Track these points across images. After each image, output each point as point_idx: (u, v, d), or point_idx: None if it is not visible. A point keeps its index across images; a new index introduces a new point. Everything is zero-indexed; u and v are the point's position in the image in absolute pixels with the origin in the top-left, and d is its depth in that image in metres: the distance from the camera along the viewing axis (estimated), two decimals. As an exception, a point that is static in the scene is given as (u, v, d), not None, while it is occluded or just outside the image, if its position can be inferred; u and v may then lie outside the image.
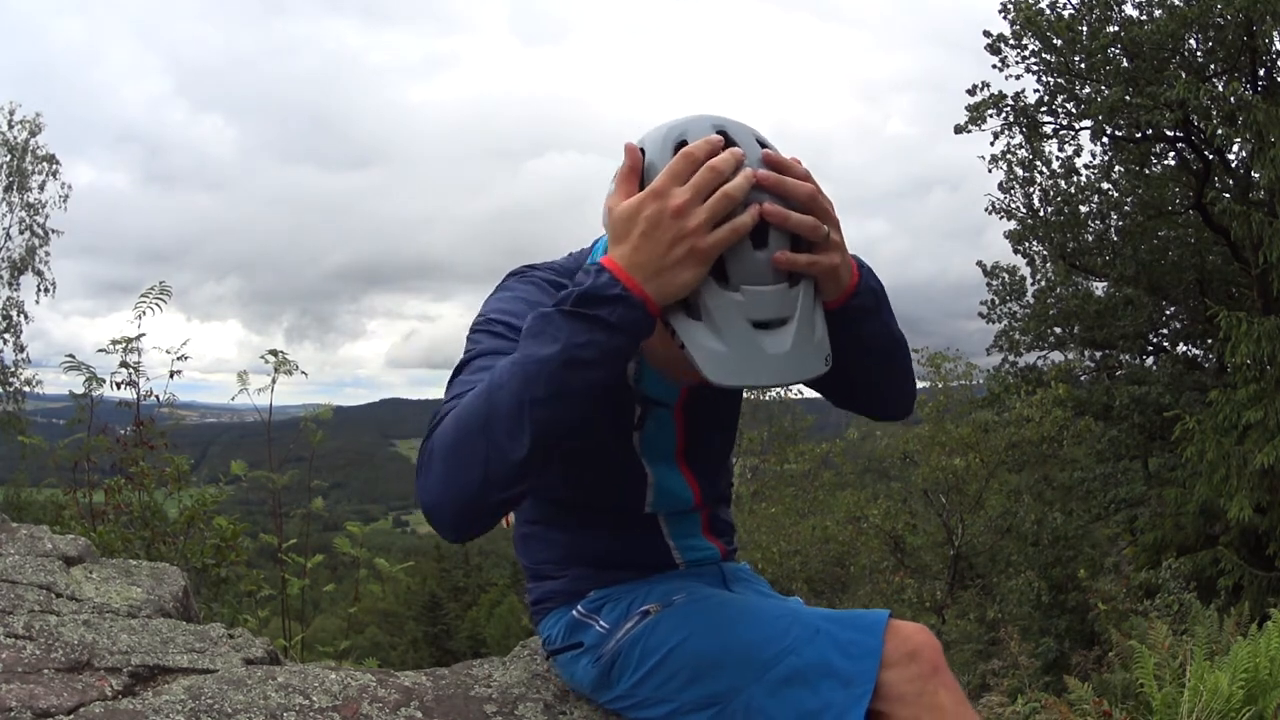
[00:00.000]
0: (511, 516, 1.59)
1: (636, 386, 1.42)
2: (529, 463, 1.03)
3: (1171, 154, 12.92)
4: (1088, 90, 11.99)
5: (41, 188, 16.18)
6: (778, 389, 8.81)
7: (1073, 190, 13.26)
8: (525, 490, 1.09)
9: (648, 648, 1.36)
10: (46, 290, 16.48)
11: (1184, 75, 10.38)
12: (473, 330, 1.26)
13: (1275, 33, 10.33)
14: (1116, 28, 11.19)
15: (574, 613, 1.48)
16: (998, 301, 15.23)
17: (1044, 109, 12.53)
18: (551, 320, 1.04)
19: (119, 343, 4.05)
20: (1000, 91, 12.30)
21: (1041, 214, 13.59)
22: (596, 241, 1.45)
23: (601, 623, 1.44)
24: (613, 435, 1.41)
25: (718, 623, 1.33)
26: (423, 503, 1.09)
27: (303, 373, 4.28)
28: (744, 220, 1.02)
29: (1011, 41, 12.12)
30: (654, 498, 1.48)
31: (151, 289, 4.11)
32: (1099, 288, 14.47)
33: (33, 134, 15.97)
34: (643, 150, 1.12)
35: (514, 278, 1.36)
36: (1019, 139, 13.02)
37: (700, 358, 1.03)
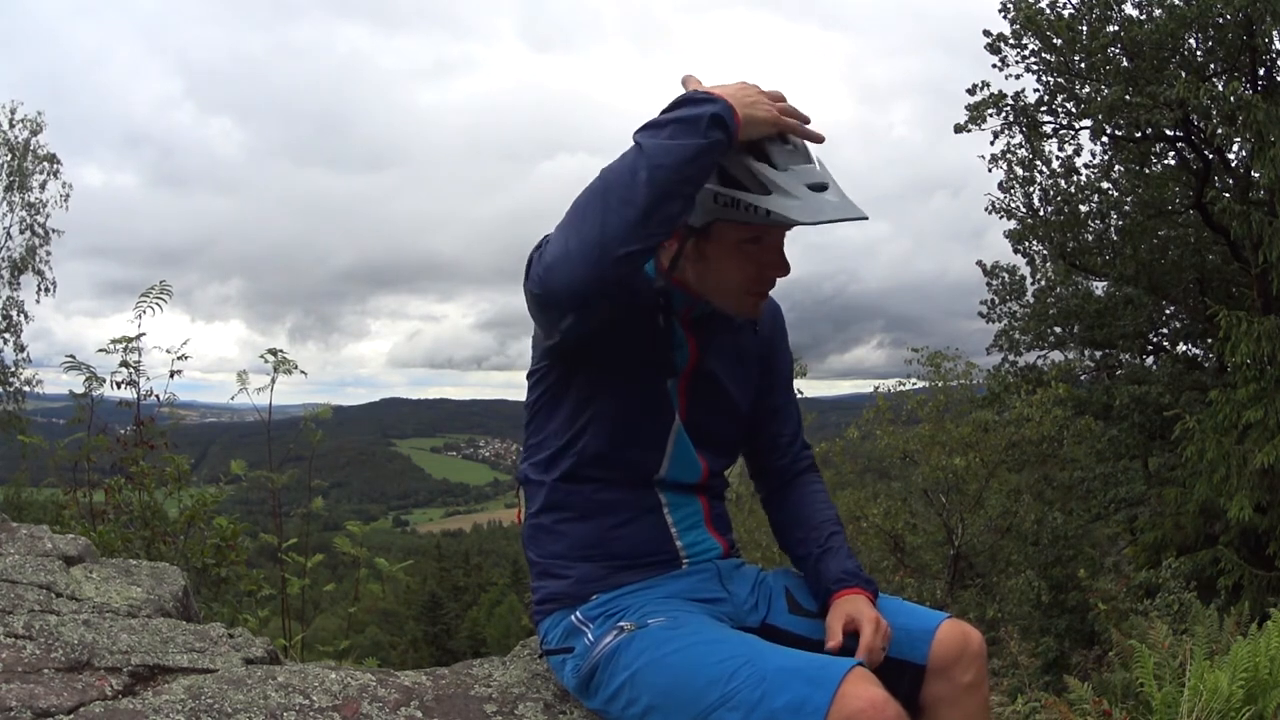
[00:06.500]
0: (522, 512, 1.63)
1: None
2: (645, 220, 1.23)
3: (1171, 154, 12.89)
4: (1087, 90, 11.96)
5: (42, 187, 16.17)
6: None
7: (1073, 190, 13.23)
8: (645, 251, 1.25)
9: (615, 669, 1.41)
10: (47, 290, 16.48)
11: (1184, 75, 10.35)
12: None
13: (1275, 32, 10.30)
14: (1116, 27, 11.15)
15: (573, 618, 1.52)
16: (998, 301, 15.25)
17: (1044, 108, 12.50)
18: (658, 121, 1.28)
19: (119, 342, 4.04)
20: (1000, 91, 12.27)
21: (1041, 213, 13.56)
22: None
23: (590, 634, 1.48)
24: (652, 378, 1.51)
25: (673, 657, 1.36)
26: (547, 263, 1.25)
27: (302, 372, 4.28)
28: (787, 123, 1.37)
29: (1011, 41, 12.09)
30: (671, 454, 1.53)
31: (152, 289, 4.09)
32: (1099, 287, 14.48)
33: (34, 133, 15.95)
34: None
35: None
36: (1019, 138, 13.01)
37: (787, 211, 1.34)
